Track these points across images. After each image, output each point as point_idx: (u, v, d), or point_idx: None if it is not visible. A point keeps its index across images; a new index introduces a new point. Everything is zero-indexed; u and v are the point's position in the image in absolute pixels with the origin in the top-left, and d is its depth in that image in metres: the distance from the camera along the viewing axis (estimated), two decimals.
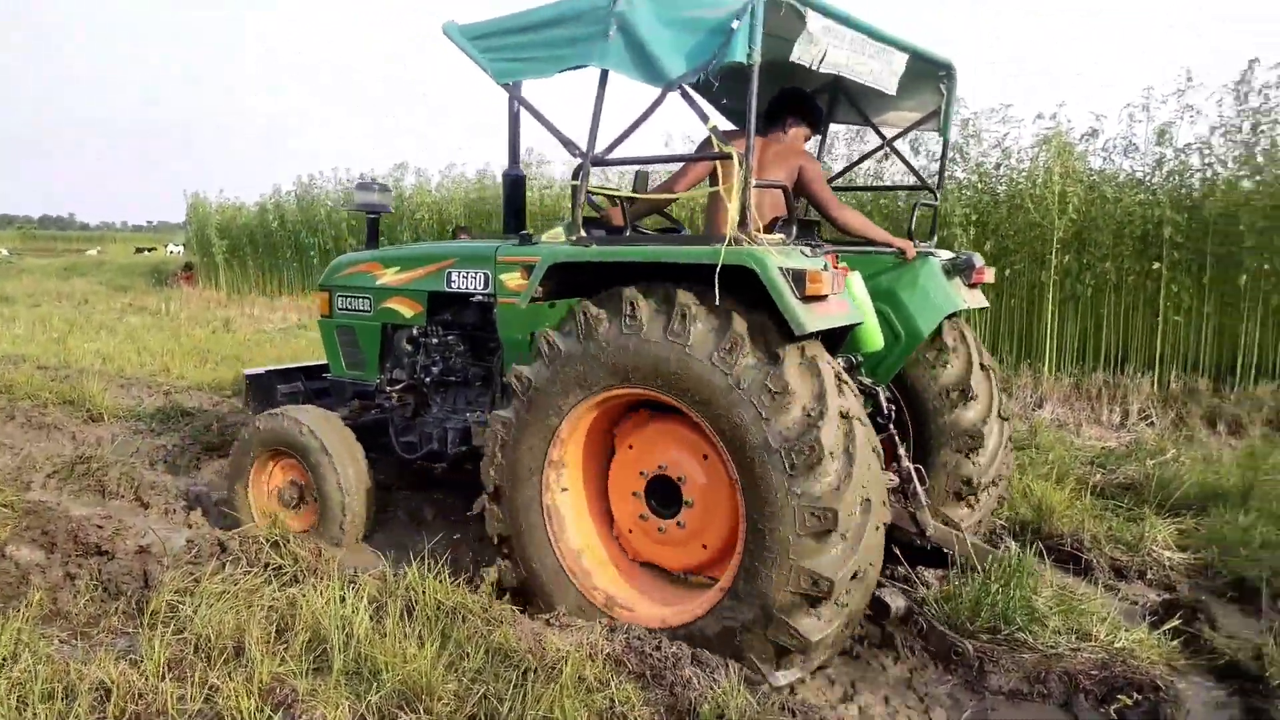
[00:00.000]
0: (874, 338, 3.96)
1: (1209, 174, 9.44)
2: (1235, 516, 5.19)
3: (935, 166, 4.77)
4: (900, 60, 3.90)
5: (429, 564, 3.82)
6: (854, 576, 3.09)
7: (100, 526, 4.46)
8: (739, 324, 3.19)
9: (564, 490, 3.74)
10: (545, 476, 3.67)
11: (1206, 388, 9.08)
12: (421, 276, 4.80)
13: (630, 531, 3.78)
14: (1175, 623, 3.79)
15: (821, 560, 3.03)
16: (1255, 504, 5.41)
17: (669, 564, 3.75)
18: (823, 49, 3.39)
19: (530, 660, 3.13)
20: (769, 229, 3.66)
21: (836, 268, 3.37)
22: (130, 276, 26.55)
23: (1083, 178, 9.96)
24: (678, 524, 3.58)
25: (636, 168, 4.36)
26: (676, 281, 3.36)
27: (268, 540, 4.15)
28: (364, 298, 5.09)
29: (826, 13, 3.40)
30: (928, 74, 4.33)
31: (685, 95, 3.49)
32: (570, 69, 3.68)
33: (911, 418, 4.57)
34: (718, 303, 3.21)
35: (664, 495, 3.62)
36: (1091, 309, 10.15)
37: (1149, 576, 4.49)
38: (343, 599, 3.54)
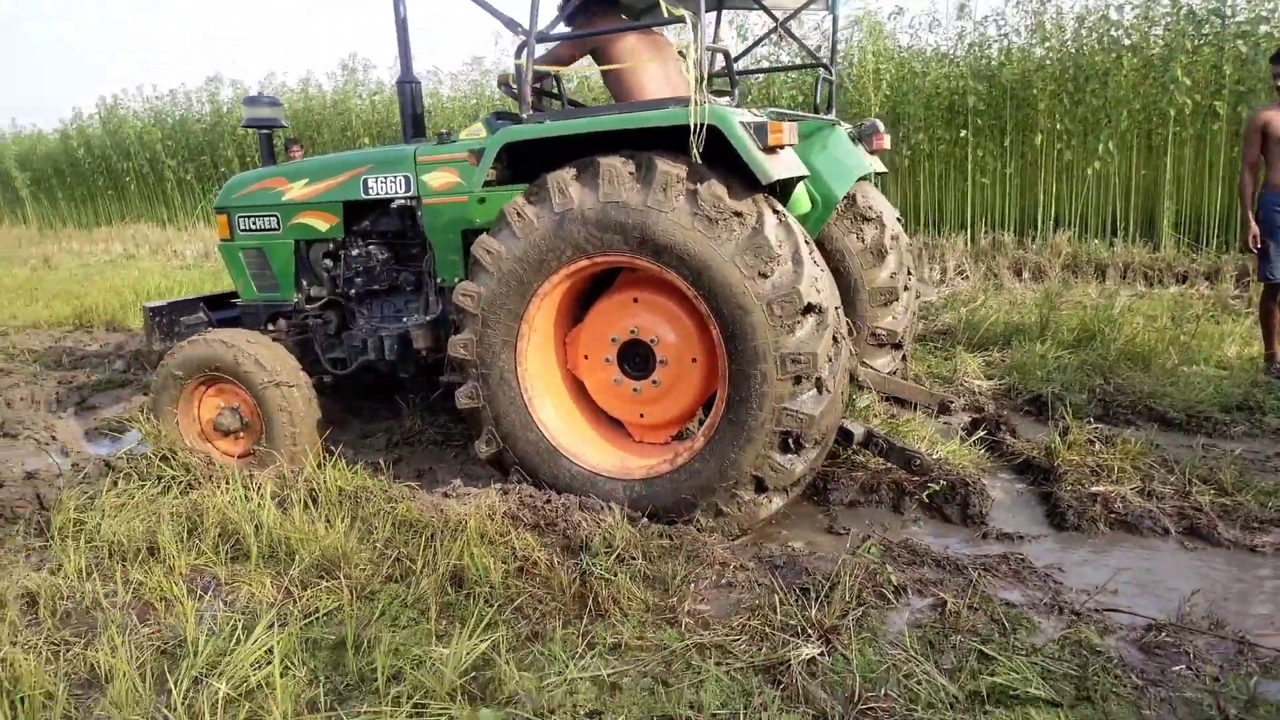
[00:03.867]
0: (805, 199, 4.28)
1: (1005, 44, 10.25)
2: (1033, 347, 6.01)
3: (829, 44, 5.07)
4: None
5: (324, 457, 4.07)
6: (826, 415, 3.46)
7: None
8: (717, 186, 3.35)
9: (537, 359, 3.85)
10: (518, 348, 3.77)
11: (1012, 241, 10.08)
12: (334, 187, 4.66)
13: (603, 395, 3.95)
14: (980, 433, 4.50)
15: (801, 401, 3.39)
16: (1048, 335, 6.27)
17: (643, 421, 3.95)
18: None
19: (435, 525, 3.46)
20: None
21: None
22: None
23: (893, 55, 10.62)
24: (653, 382, 3.79)
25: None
26: (637, 149, 3.50)
27: (156, 455, 4.26)
28: (270, 215, 4.91)
29: None
30: None
31: None
32: None
33: (838, 272, 4.81)
34: (698, 162, 3.36)
35: (635, 359, 3.82)
36: (910, 178, 10.96)
37: (962, 402, 5.19)
38: (246, 497, 3.76)
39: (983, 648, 2.64)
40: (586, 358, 3.92)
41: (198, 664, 2.64)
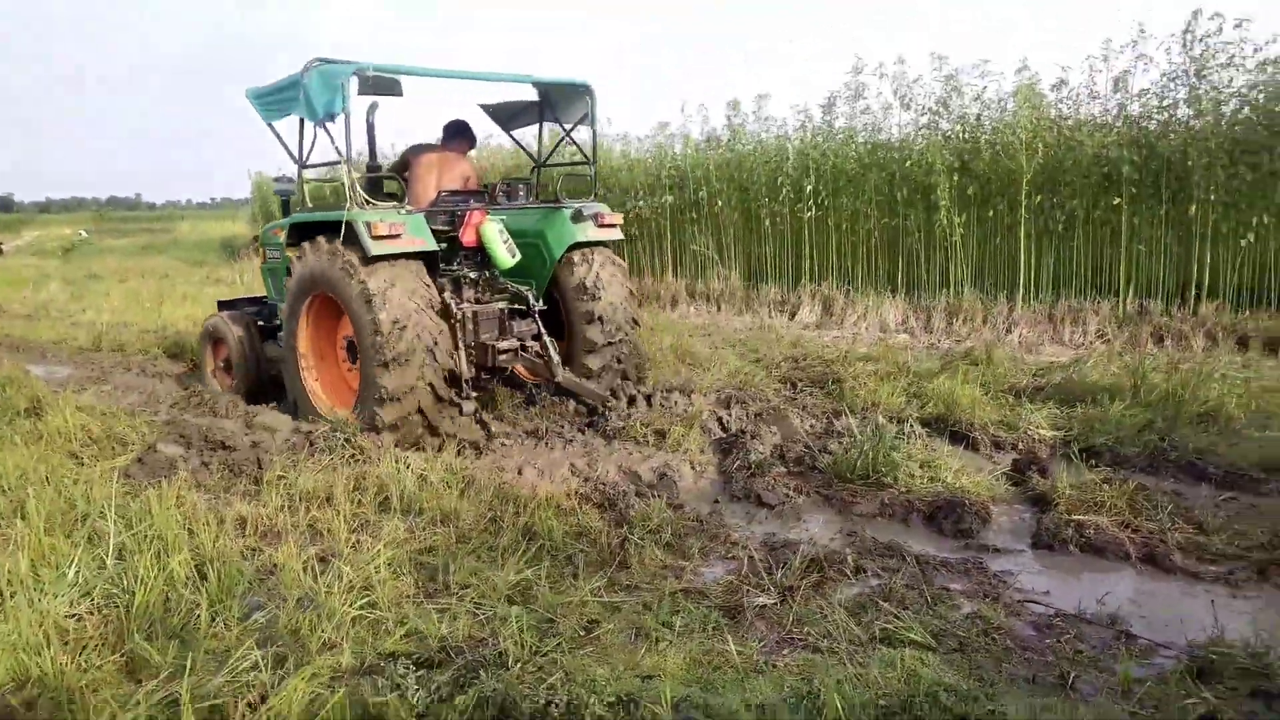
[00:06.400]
0: (502, 260, 6.39)
1: (1164, 116, 10.36)
2: (1113, 406, 6.37)
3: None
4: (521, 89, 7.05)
5: (438, 448, 5.28)
6: (410, 389, 5.63)
7: (221, 428, 6.01)
8: (354, 254, 5.71)
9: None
10: (298, 345, 6.44)
11: (1158, 309, 10.09)
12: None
13: (346, 368, 6.49)
14: (1004, 469, 5.07)
15: (384, 378, 5.59)
16: (1132, 396, 6.59)
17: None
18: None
19: (525, 497, 4.54)
20: (451, 194, 6.87)
21: (476, 218, 6.35)
22: (204, 252, 28.55)
23: (1052, 124, 10.94)
24: (355, 364, 6.08)
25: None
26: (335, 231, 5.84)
27: (342, 435, 5.62)
28: (275, 250, 7.59)
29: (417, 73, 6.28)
30: (577, 93, 6.98)
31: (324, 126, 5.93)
32: (293, 114, 6.11)
33: (563, 307, 6.88)
34: (341, 242, 5.79)
35: (351, 349, 6.24)
36: (1064, 243, 11.16)
37: (1020, 447, 5.71)
38: (397, 470, 5.00)
39: (896, 611, 3.37)
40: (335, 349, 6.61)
41: (342, 566, 3.81)
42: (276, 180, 7.50)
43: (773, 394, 6.97)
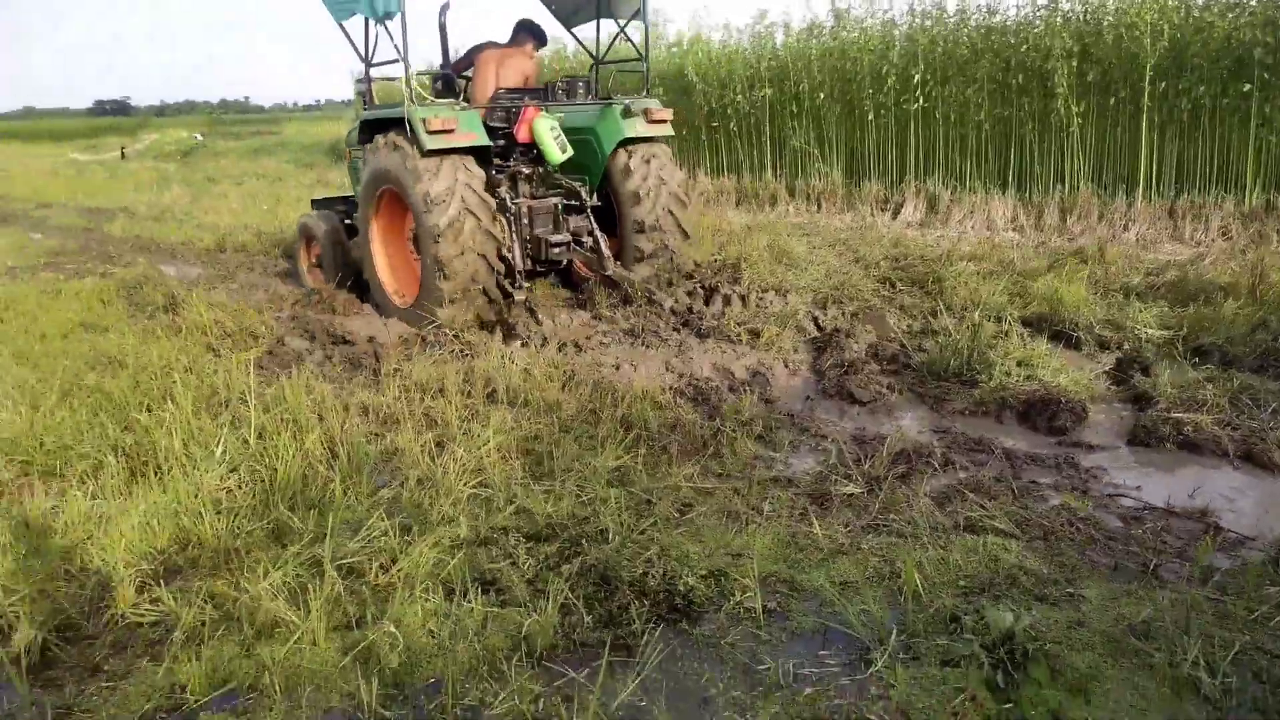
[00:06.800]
0: (553, 156, 6.59)
1: None
2: (1226, 304, 6.15)
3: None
4: None
5: (540, 345, 5.51)
6: (462, 259, 6.07)
7: (341, 324, 6.41)
8: (411, 148, 6.09)
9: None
10: (370, 238, 6.99)
11: None
12: None
13: (412, 257, 6.89)
14: (1106, 368, 5.01)
15: (438, 251, 6.05)
16: (1248, 295, 6.33)
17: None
18: None
19: (622, 391, 4.76)
20: (509, 91, 7.08)
21: (529, 114, 6.64)
22: (312, 154, 29.37)
23: (1180, 3, 10.20)
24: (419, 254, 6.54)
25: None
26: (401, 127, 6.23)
27: (450, 333, 5.93)
28: (357, 148, 7.70)
29: None
30: None
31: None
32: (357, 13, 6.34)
33: (616, 205, 7.06)
34: (402, 137, 6.20)
35: (416, 242, 6.59)
36: (1189, 134, 10.53)
37: (1125, 347, 5.60)
38: (503, 365, 5.27)
39: (982, 501, 3.48)
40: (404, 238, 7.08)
41: (456, 450, 4.12)
42: (358, 81, 7.63)
43: (870, 294, 6.96)
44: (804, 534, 3.32)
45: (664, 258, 7.05)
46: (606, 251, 6.87)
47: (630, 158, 6.95)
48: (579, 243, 6.93)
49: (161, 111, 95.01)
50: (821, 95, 13.28)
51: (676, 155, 7.76)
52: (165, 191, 18.56)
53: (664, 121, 7.01)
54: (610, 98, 7.25)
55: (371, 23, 6.49)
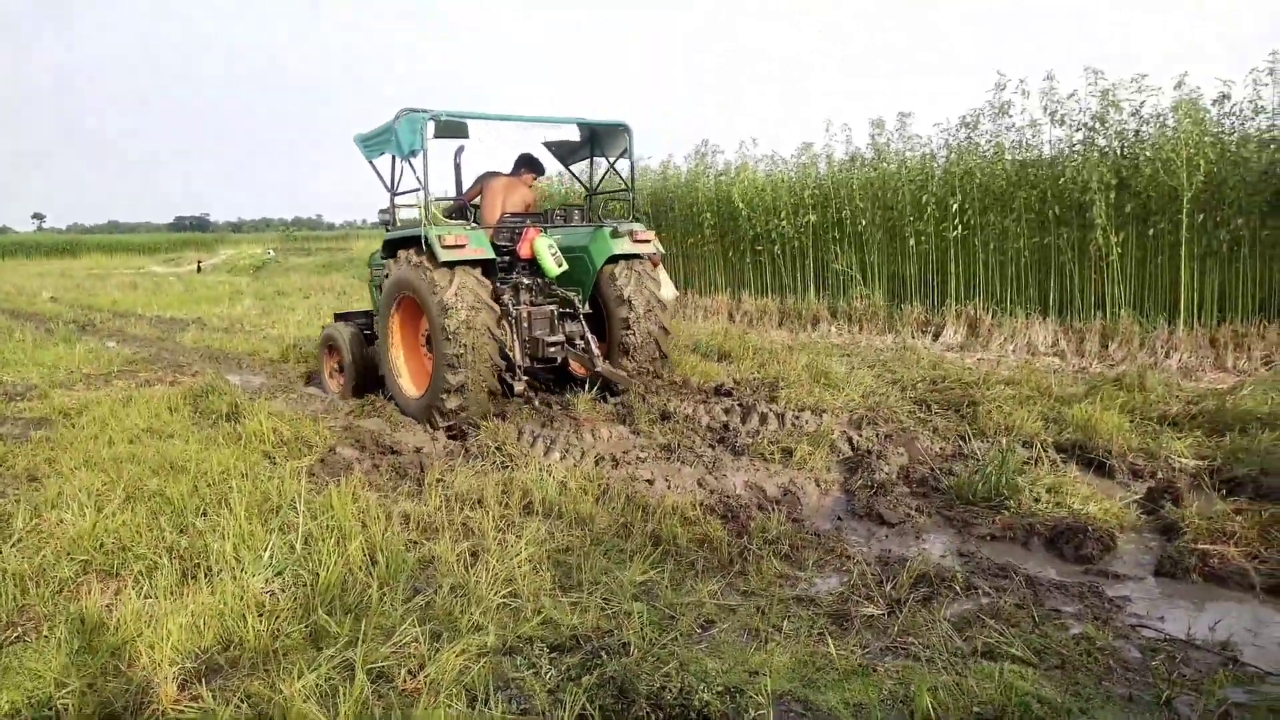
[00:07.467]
0: (550, 269, 7.57)
1: None
2: (1264, 435, 6.14)
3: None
4: (571, 129, 8.46)
5: (579, 458, 5.69)
6: (465, 384, 6.89)
7: (390, 435, 6.68)
8: (430, 262, 7.00)
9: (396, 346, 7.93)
10: (389, 338, 7.89)
11: None
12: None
13: (425, 356, 7.73)
14: (1137, 497, 5.03)
15: (449, 348, 6.82)
16: None
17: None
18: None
19: (654, 505, 4.90)
20: (513, 216, 8.19)
21: (530, 234, 7.63)
22: None
23: (1215, 139, 10.44)
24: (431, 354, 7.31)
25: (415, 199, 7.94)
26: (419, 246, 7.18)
27: (491, 445, 6.17)
28: (379, 268, 8.74)
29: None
30: (617, 132, 8.37)
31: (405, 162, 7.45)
32: (386, 153, 7.63)
33: (606, 311, 8.03)
34: (424, 255, 7.10)
35: (429, 342, 7.41)
36: (1229, 263, 10.61)
37: (1158, 476, 5.61)
38: (540, 478, 5.47)
39: (1002, 628, 3.51)
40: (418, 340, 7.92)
41: (489, 560, 4.27)
42: (381, 211, 8.58)
43: (905, 415, 7.07)
44: (822, 654, 3.39)
45: (647, 346, 8.02)
46: (596, 350, 7.74)
47: (617, 271, 7.95)
48: (572, 343, 7.87)
49: (238, 228, 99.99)
50: (863, 221, 13.68)
51: (674, 273, 8.85)
52: (237, 304, 19.48)
53: (647, 241, 7.99)
54: (601, 221, 8.33)
55: (398, 160, 7.55)
